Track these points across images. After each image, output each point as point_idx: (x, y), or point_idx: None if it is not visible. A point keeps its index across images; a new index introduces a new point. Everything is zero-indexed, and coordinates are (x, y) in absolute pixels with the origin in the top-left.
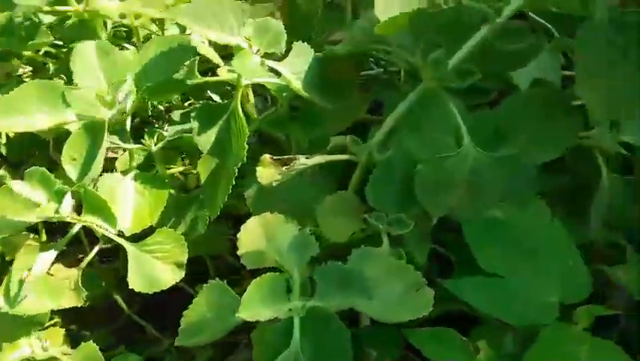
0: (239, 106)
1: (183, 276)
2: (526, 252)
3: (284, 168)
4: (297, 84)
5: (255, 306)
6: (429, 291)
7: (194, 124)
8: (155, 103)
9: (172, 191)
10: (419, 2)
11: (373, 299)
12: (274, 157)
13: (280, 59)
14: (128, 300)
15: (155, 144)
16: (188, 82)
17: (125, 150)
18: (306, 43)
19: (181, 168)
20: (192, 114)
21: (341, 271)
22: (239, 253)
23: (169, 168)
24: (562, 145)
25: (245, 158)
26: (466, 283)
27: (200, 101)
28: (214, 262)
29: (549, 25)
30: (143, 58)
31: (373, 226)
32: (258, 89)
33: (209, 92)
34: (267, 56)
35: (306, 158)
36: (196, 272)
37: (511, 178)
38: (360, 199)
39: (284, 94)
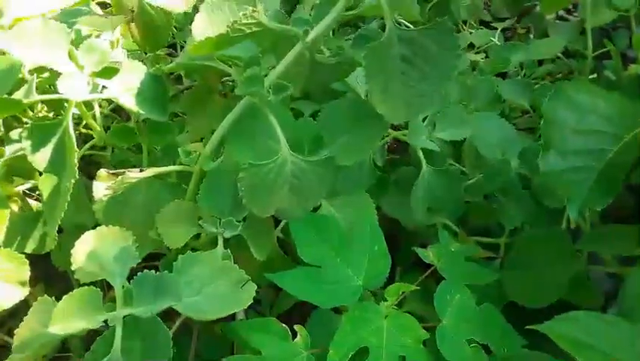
0: (70, 123)
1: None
2: (341, 243)
3: (111, 182)
4: (127, 100)
5: (68, 319)
6: (252, 286)
7: (26, 143)
8: None
9: (16, 208)
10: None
11: (198, 297)
12: (110, 171)
13: None
14: None
15: None
16: (25, 101)
17: None
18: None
19: (27, 185)
20: (23, 133)
21: (156, 278)
22: (72, 268)
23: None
24: (368, 146)
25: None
26: (287, 274)
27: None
28: None
29: None
30: None
31: (207, 231)
32: None
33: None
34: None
35: (140, 170)
36: None
37: (342, 177)
38: (197, 206)
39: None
